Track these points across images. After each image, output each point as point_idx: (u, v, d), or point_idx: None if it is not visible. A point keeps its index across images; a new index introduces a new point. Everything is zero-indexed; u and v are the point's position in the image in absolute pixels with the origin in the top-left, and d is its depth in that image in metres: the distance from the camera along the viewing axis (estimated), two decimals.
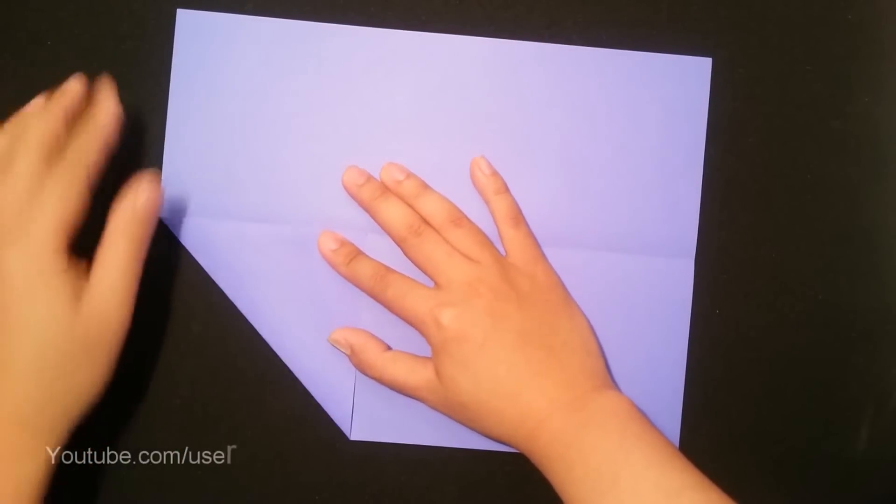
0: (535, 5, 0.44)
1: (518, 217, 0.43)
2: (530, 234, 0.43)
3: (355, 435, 0.44)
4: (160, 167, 0.43)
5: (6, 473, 0.36)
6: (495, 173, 0.43)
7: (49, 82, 0.43)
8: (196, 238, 0.43)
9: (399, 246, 0.43)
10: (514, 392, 0.39)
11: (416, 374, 0.41)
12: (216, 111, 0.43)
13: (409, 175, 0.43)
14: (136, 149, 0.44)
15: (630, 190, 0.44)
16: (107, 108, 0.40)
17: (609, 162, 0.44)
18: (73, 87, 0.40)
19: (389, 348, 0.43)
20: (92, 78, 0.43)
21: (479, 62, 0.44)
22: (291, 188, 0.44)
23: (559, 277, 0.43)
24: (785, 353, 0.45)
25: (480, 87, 0.44)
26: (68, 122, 0.39)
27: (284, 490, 0.44)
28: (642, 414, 0.39)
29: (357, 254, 0.43)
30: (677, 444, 0.44)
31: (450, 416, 0.41)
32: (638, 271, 0.44)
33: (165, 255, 0.43)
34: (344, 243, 0.43)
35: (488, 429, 0.40)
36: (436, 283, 0.41)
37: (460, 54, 0.44)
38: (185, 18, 0.43)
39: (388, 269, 0.42)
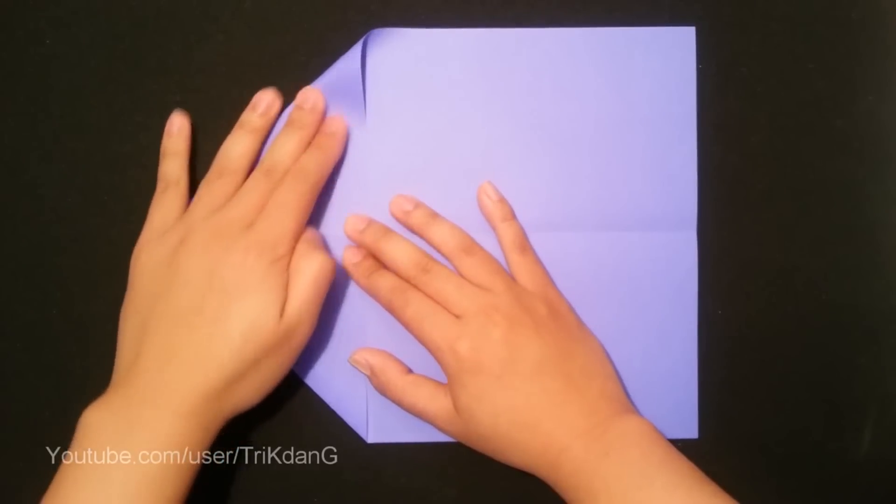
0: (536, 3, 0.44)
1: (525, 244, 0.43)
2: (538, 261, 0.43)
3: (372, 438, 0.44)
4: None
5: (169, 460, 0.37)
6: (502, 200, 0.43)
7: (48, 82, 0.44)
8: None
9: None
10: (533, 423, 0.38)
11: (437, 402, 0.40)
12: None
13: (419, 205, 0.43)
14: (136, 149, 0.44)
15: (626, 167, 0.44)
16: (338, 126, 0.42)
17: (603, 140, 0.44)
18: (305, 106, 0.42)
19: (410, 371, 0.42)
20: (93, 78, 0.44)
21: (463, 53, 0.44)
22: None
23: (569, 303, 0.43)
24: (788, 353, 0.45)
25: (467, 77, 0.44)
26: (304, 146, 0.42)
27: (284, 490, 0.44)
28: (663, 437, 0.38)
29: (378, 268, 0.43)
30: (696, 423, 0.44)
31: (470, 446, 0.41)
32: (641, 248, 0.44)
33: None
34: (366, 257, 0.43)
35: (509, 459, 0.39)
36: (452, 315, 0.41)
37: (443, 47, 0.43)
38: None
39: (409, 285, 0.42)
